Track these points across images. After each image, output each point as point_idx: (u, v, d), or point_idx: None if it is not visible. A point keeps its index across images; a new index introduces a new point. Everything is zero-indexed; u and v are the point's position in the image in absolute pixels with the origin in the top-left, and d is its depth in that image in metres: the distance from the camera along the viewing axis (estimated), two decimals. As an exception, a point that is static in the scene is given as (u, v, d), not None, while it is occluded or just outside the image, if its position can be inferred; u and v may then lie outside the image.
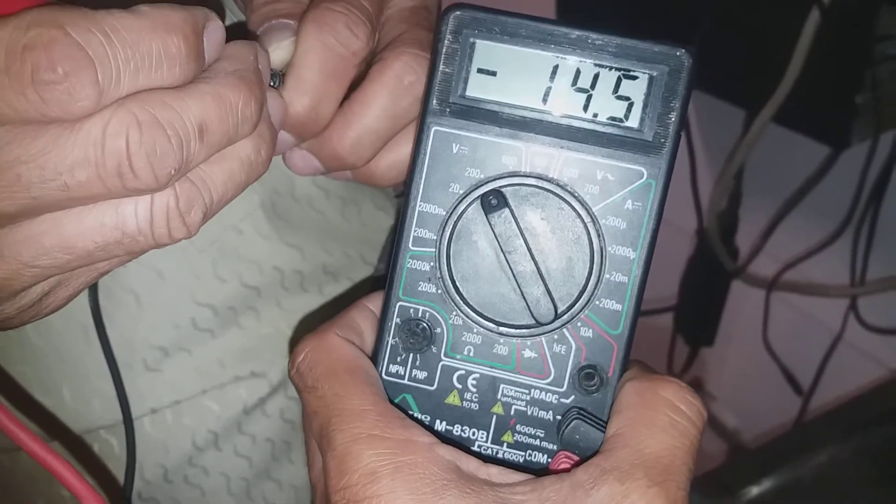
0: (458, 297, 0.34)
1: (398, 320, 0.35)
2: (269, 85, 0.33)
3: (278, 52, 0.35)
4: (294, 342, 0.50)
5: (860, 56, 0.85)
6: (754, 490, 0.82)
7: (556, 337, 0.34)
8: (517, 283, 0.33)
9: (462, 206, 0.34)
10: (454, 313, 0.34)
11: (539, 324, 0.34)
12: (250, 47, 0.31)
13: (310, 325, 0.50)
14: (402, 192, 0.50)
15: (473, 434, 0.35)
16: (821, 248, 1.06)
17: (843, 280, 1.04)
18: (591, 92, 0.33)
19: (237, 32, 0.33)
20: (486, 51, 0.33)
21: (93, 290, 0.43)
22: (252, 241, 0.48)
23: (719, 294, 1.17)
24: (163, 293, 0.47)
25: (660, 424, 0.31)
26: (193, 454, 0.49)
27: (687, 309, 1.19)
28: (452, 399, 0.35)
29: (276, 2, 0.36)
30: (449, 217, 0.34)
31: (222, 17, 0.32)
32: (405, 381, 0.35)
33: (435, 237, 0.34)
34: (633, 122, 0.33)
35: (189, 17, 0.27)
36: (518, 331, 0.34)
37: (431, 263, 0.34)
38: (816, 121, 0.91)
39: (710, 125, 1.09)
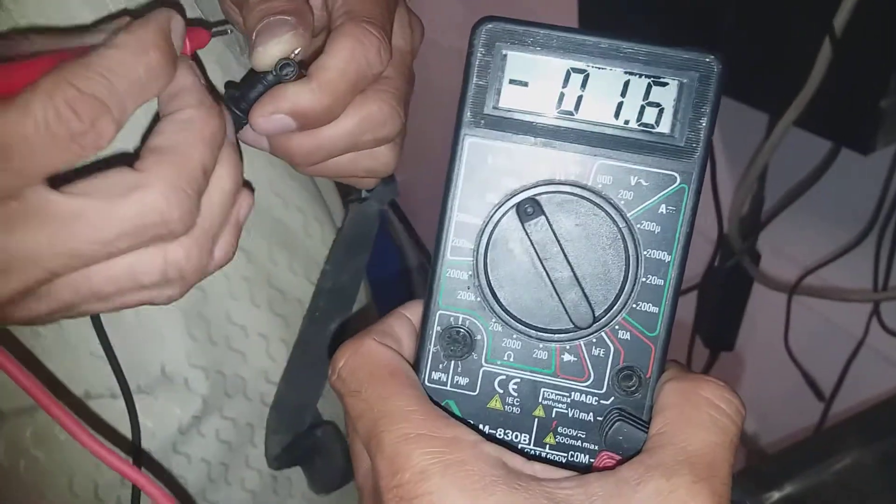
0: (496, 305, 0.34)
1: (439, 328, 0.35)
2: (283, 76, 0.37)
3: (278, 45, 0.37)
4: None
5: (885, 59, 0.84)
6: (776, 495, 0.81)
7: (594, 340, 0.34)
8: (555, 288, 0.34)
9: (498, 215, 0.34)
10: (493, 320, 0.35)
11: (577, 328, 0.34)
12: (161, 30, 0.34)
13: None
14: (361, 198, 0.50)
15: (516, 437, 0.35)
16: (843, 253, 1.05)
17: (866, 285, 1.03)
18: (622, 99, 0.34)
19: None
20: (518, 62, 0.34)
21: None
22: None
23: (740, 298, 1.16)
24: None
25: (702, 423, 0.31)
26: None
27: (707, 313, 1.18)
28: (494, 404, 0.35)
29: (271, 0, 0.38)
30: (485, 226, 0.34)
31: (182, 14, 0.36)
32: (447, 388, 0.35)
33: (472, 246, 0.34)
34: (664, 127, 0.34)
35: (156, 27, 0.32)
36: (557, 335, 0.35)
37: (469, 272, 0.35)
38: (840, 125, 0.90)
39: (731, 129, 1.08)
